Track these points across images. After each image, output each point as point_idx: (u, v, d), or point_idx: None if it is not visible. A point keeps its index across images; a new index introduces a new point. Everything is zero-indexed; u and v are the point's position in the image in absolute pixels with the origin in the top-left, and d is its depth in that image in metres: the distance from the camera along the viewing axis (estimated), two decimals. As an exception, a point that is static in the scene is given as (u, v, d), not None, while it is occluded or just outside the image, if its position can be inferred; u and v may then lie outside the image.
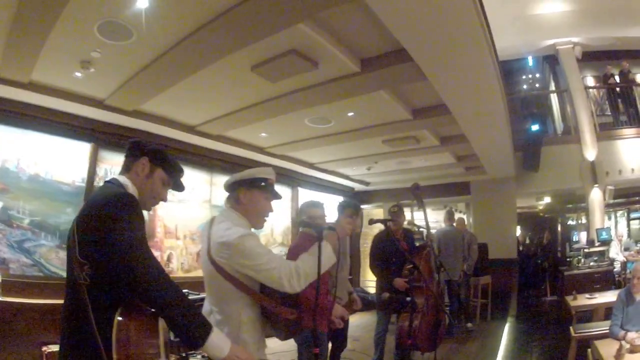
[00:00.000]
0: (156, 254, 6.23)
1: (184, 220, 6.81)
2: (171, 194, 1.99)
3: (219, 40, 3.62)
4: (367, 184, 10.84)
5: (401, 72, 4.33)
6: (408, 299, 3.83)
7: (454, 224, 7.54)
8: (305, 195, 9.47)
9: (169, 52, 3.83)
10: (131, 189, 1.76)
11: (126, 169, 1.83)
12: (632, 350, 3.48)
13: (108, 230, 1.51)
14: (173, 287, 1.56)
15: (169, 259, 6.49)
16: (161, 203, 1.95)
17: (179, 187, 1.99)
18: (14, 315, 4.45)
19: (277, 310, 2.00)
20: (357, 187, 11.04)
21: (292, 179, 9.13)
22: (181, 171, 1.97)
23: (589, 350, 4.20)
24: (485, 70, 4.39)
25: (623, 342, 3.56)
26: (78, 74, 4.30)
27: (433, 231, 9.88)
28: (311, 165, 8.74)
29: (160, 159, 1.87)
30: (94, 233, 1.54)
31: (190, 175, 6.68)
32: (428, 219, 4.29)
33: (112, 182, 1.76)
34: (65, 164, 5.42)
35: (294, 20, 3.40)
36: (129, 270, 1.47)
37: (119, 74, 4.39)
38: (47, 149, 5.26)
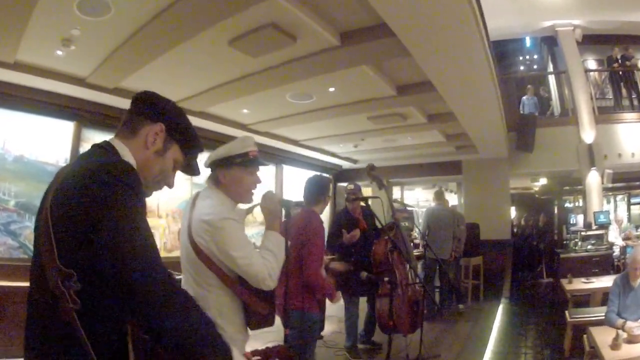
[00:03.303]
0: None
1: (165, 198, 6.47)
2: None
3: (196, 13, 3.42)
4: (354, 161, 10.39)
5: (383, 47, 4.04)
6: (386, 279, 3.61)
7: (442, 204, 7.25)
8: (291, 173, 9.12)
9: (147, 26, 3.63)
10: (129, 159, 1.19)
11: (131, 132, 1.24)
12: (630, 341, 3.21)
13: (98, 220, 0.98)
14: (191, 310, 1.06)
15: (151, 238, 6.24)
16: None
17: (193, 171, 1.42)
18: (2, 299, 4.27)
19: (251, 303, 1.86)
20: (345, 164, 10.61)
21: (277, 157, 8.75)
22: (201, 150, 1.41)
23: (585, 336, 3.97)
24: (473, 48, 4.06)
25: (620, 332, 3.28)
26: (59, 52, 4.13)
27: (416, 210, 9.74)
28: (296, 143, 8.39)
29: (181, 132, 1.32)
30: (79, 224, 0.99)
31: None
32: (392, 199, 4.13)
33: (103, 147, 1.18)
34: (49, 144, 5.20)
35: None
36: (126, 287, 0.97)
37: (99, 51, 4.21)
38: (32, 129, 5.06)
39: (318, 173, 6.17)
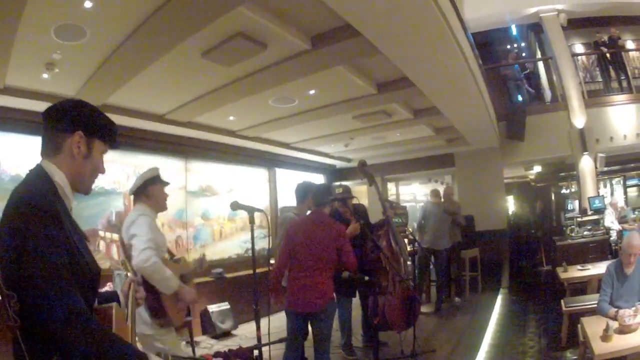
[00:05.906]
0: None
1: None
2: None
3: (165, 31, 3.49)
4: (348, 160, 10.14)
5: (354, 47, 3.94)
6: (367, 278, 3.46)
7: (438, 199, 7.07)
8: (284, 175, 8.90)
9: (122, 46, 3.70)
10: (59, 177, 1.27)
11: (53, 150, 1.30)
12: (621, 331, 3.01)
13: (19, 252, 1.08)
14: (94, 332, 1.11)
15: (148, 247, 6.18)
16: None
17: (116, 146, 1.47)
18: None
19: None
20: (339, 164, 10.39)
21: (269, 160, 8.56)
22: (116, 129, 1.45)
23: (579, 326, 3.77)
24: (442, 41, 3.89)
25: (610, 322, 3.08)
26: (45, 76, 4.20)
27: (413, 204, 9.55)
28: (287, 145, 8.22)
29: (97, 129, 1.36)
30: (7, 252, 1.09)
31: (166, 163, 6.29)
32: (382, 196, 4.02)
33: (34, 172, 1.27)
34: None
35: (233, 4, 3.16)
36: (34, 310, 1.06)
37: (81, 72, 4.27)
38: (26, 149, 4.92)
39: (308, 178, 6.04)
